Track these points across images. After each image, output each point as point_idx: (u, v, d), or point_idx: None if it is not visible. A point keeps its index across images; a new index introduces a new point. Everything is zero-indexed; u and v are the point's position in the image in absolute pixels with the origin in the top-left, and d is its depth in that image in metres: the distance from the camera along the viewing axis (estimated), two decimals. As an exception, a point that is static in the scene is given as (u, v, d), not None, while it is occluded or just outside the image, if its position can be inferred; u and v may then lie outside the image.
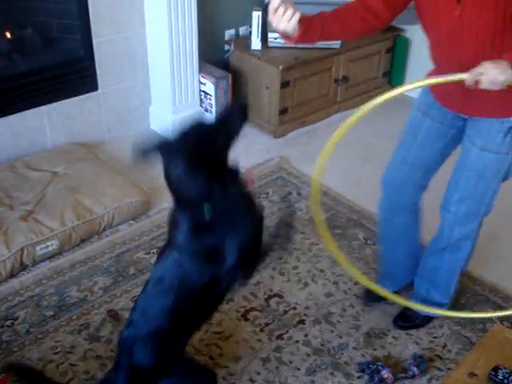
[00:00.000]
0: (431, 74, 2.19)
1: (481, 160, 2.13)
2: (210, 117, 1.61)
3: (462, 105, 2.12)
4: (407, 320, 2.62)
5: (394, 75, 4.70)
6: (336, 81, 4.26)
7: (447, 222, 2.33)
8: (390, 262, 2.67)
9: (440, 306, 2.54)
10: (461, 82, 1.83)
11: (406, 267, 2.65)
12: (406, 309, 2.61)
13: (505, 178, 2.21)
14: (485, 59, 1.83)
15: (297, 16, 1.85)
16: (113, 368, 1.95)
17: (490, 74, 1.77)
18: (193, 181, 1.77)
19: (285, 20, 1.85)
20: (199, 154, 1.73)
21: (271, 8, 1.85)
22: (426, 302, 2.54)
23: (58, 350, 2.45)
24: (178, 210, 1.92)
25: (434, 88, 2.22)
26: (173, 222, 1.95)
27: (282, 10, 1.83)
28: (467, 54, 1.95)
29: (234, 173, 1.86)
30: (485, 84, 1.78)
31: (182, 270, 1.86)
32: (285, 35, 1.95)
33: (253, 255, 1.95)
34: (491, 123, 2.08)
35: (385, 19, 2.11)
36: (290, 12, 1.84)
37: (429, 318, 2.63)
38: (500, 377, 1.82)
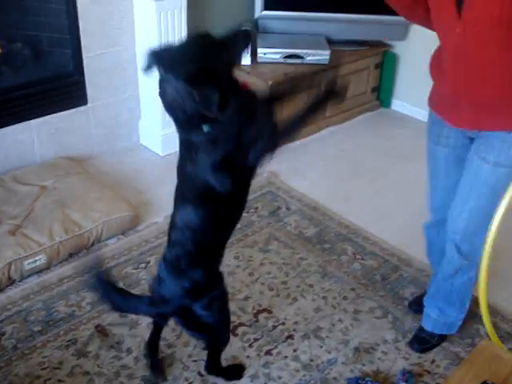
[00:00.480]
0: (432, 97, 2.24)
1: (494, 175, 2.12)
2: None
3: (472, 121, 2.12)
4: (423, 342, 2.60)
5: (382, 91, 4.74)
6: (325, 96, 4.28)
7: (455, 244, 2.33)
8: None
9: (455, 324, 2.56)
10: None
11: None
12: (420, 331, 2.60)
13: None
14: (493, 75, 1.87)
15: None
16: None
17: None
18: (187, 98, 1.71)
19: None
20: (197, 67, 1.70)
21: None
22: (438, 322, 2.55)
23: (46, 365, 2.43)
24: (180, 136, 1.91)
25: (439, 105, 2.22)
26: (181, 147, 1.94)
27: None
28: (473, 70, 1.96)
29: (234, 85, 1.84)
30: None
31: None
32: None
33: (272, 143, 2.00)
34: (503, 138, 2.07)
35: (420, 9, 2.13)
36: None
37: (444, 336, 2.62)
38: (488, 392, 1.82)
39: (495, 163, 2.11)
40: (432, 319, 2.58)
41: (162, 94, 1.81)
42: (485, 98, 2.02)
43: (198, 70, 1.69)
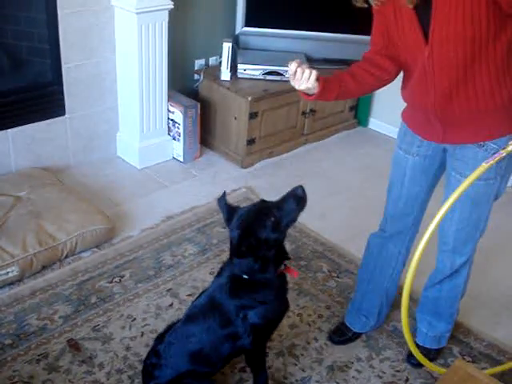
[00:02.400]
0: (405, 113, 2.33)
1: (472, 189, 2.15)
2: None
3: (443, 135, 2.16)
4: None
5: (360, 109, 4.78)
6: (303, 113, 4.31)
7: (447, 254, 2.38)
8: (367, 297, 2.67)
9: (444, 336, 2.60)
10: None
11: (380, 304, 2.67)
12: (417, 346, 2.56)
13: (496, 198, 2.27)
14: (458, 90, 1.95)
15: (313, 76, 2.03)
16: None
17: None
18: (241, 255, 2.04)
19: (304, 81, 2.03)
20: (252, 238, 2.00)
21: (290, 72, 2.04)
22: (427, 337, 2.59)
23: (16, 379, 2.38)
24: (227, 262, 2.21)
25: (412, 123, 2.29)
26: (220, 270, 2.25)
27: (299, 72, 2.02)
28: (440, 88, 2.01)
29: (281, 258, 2.13)
30: None
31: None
32: (305, 94, 2.13)
33: (266, 336, 2.27)
34: (475, 152, 2.12)
35: (393, 72, 2.25)
36: (306, 73, 2.02)
37: (439, 351, 2.66)
38: (461, 413, 1.83)
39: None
40: (423, 333, 2.62)
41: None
42: (453, 113, 2.07)
43: (246, 246, 2.01)
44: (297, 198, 2.08)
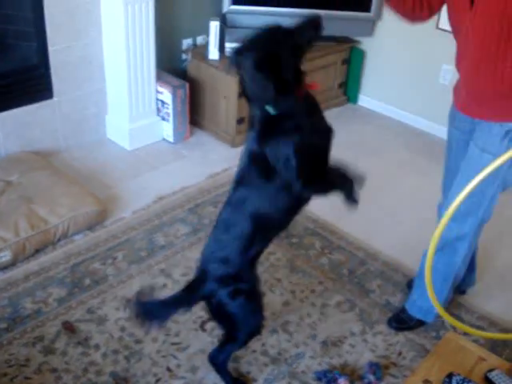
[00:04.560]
0: (456, 85, 2.37)
1: (481, 160, 2.21)
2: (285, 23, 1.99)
3: (466, 105, 2.28)
4: (401, 322, 2.69)
5: (349, 86, 4.77)
6: (293, 91, 4.30)
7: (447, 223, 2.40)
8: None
9: (430, 311, 2.62)
10: None
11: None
12: (401, 311, 2.70)
13: (504, 187, 2.32)
14: (487, 68, 2.06)
15: None
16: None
17: None
18: (258, 81, 1.92)
19: None
20: (268, 55, 1.89)
21: None
22: (415, 304, 2.64)
23: (12, 363, 2.40)
24: (251, 110, 2.07)
25: (455, 93, 2.39)
26: (250, 123, 2.12)
27: None
28: (473, 61, 2.11)
29: (299, 77, 1.99)
30: None
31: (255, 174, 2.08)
32: None
33: (314, 168, 2.07)
34: (491, 125, 2.20)
35: (425, 12, 2.28)
36: None
37: (422, 322, 2.69)
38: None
39: (482, 149, 2.24)
40: (412, 300, 2.67)
41: (241, 78, 2.00)
42: (478, 87, 2.17)
43: (261, 56, 1.90)
44: (314, 24, 2.01)
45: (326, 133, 2.10)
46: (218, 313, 2.25)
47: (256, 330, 2.31)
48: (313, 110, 2.08)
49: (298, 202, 2.16)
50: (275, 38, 1.94)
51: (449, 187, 2.50)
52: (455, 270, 2.55)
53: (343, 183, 2.17)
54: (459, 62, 2.27)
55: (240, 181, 2.13)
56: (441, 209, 2.64)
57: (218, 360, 2.34)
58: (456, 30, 2.22)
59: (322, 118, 2.10)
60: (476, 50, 2.09)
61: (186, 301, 2.24)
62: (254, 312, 2.25)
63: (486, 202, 2.34)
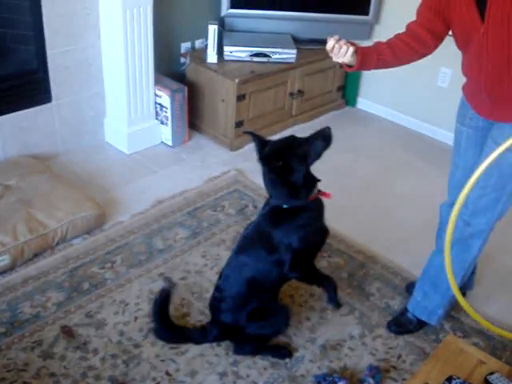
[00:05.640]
0: (464, 86, 2.40)
1: (503, 158, 2.20)
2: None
3: (490, 111, 2.28)
4: (401, 325, 2.70)
5: (348, 89, 4.78)
6: (291, 94, 4.30)
7: (463, 217, 2.40)
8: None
9: (435, 312, 2.62)
10: None
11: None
12: (401, 314, 2.71)
13: None
14: (508, 72, 2.07)
15: (351, 51, 2.18)
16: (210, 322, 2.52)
17: None
18: (274, 186, 2.28)
19: (341, 55, 2.20)
20: (282, 165, 2.19)
21: (328, 47, 2.21)
22: (420, 305, 2.64)
23: (11, 367, 2.39)
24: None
25: (469, 96, 2.40)
26: (264, 204, 2.45)
27: (337, 48, 2.18)
28: (493, 69, 2.12)
29: (311, 183, 2.31)
30: None
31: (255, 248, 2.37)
32: (345, 65, 2.30)
33: (306, 261, 2.39)
34: None
35: (432, 46, 2.34)
36: (343, 50, 2.18)
37: (422, 325, 2.69)
38: (453, 387, 1.86)
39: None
40: (416, 301, 2.66)
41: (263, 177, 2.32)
42: (501, 92, 2.18)
43: (276, 167, 2.19)
44: (324, 137, 2.25)
45: (323, 234, 2.41)
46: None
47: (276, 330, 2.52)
48: (319, 212, 2.38)
49: (286, 278, 2.44)
50: (289, 148, 2.23)
51: (457, 185, 2.49)
52: (464, 268, 2.53)
53: (327, 284, 2.46)
54: (471, 70, 2.27)
55: (243, 247, 2.41)
56: (447, 207, 2.64)
57: (244, 352, 2.53)
58: (464, 43, 2.22)
59: (323, 220, 2.40)
60: (496, 57, 2.09)
61: (200, 340, 2.53)
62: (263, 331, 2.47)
63: (504, 198, 2.34)
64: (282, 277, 2.39)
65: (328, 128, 2.26)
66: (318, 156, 2.27)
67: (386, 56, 2.31)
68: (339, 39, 2.18)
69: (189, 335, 2.52)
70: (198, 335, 2.52)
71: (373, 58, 2.29)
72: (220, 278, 2.47)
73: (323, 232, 2.41)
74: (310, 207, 2.31)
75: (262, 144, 2.29)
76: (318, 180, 2.34)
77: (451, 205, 2.59)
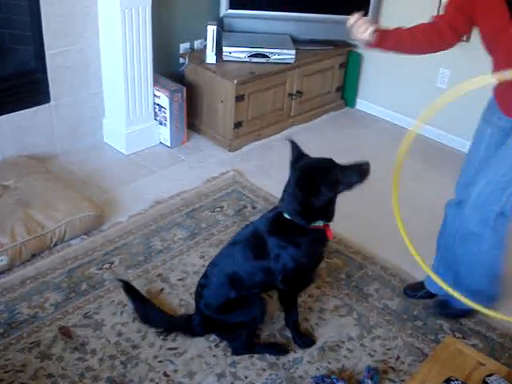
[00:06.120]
0: (495, 88, 2.42)
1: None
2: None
3: None
4: (415, 289, 2.86)
5: (346, 90, 4.77)
6: (290, 95, 4.30)
7: (467, 209, 2.43)
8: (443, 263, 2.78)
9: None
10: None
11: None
12: (418, 283, 2.87)
13: None
14: None
15: (370, 30, 2.26)
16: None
17: None
18: (292, 193, 2.24)
19: (361, 32, 2.27)
20: (311, 182, 2.18)
21: (349, 23, 2.28)
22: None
23: (8, 368, 2.38)
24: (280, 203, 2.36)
25: (499, 95, 2.42)
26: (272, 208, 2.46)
27: (358, 24, 2.26)
28: None
29: (324, 215, 2.29)
30: None
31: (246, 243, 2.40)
32: (364, 42, 2.36)
33: (296, 281, 2.41)
34: None
35: (451, 44, 2.40)
36: (362, 29, 2.26)
37: (431, 296, 2.81)
38: (452, 388, 1.86)
39: None
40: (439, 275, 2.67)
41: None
42: None
43: (305, 167, 2.23)
44: (362, 172, 2.23)
45: (317, 259, 2.45)
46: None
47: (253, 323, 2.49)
48: (321, 240, 2.38)
49: (271, 286, 2.45)
50: (325, 170, 2.21)
51: (467, 183, 2.51)
52: (480, 263, 2.55)
53: (294, 316, 2.55)
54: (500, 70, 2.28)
55: (237, 242, 2.44)
56: (453, 206, 2.65)
57: (236, 350, 2.52)
58: (493, 44, 2.24)
59: (322, 248, 2.44)
60: None
61: (186, 328, 2.57)
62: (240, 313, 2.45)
63: (510, 190, 2.36)
64: (269, 284, 2.41)
65: (367, 164, 2.23)
66: (349, 188, 2.25)
67: (404, 42, 2.37)
68: (360, 17, 2.26)
69: (175, 322, 2.58)
70: (183, 322, 2.55)
71: (390, 41, 2.34)
72: (209, 265, 2.52)
73: (317, 259, 2.45)
74: (307, 231, 2.29)
75: (298, 155, 2.29)
76: (329, 220, 2.34)
77: (458, 203, 2.60)
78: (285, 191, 2.30)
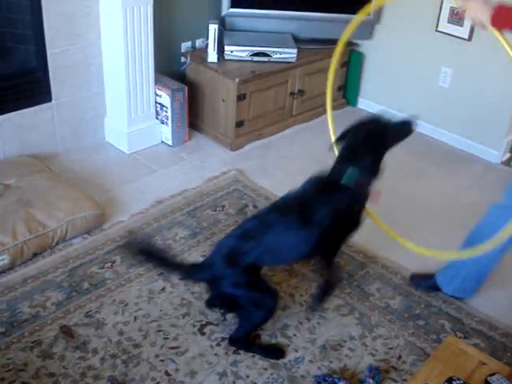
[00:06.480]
0: None
1: None
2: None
3: None
4: (422, 277, 2.92)
5: (348, 89, 4.77)
6: (292, 94, 4.30)
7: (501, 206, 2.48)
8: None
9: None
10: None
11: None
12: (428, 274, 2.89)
13: None
14: None
15: (488, 9, 2.14)
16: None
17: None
18: (363, 154, 2.36)
19: (479, 15, 2.16)
20: (363, 138, 2.36)
21: (461, 8, 2.25)
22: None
23: (10, 367, 2.38)
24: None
25: None
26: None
27: (471, 5, 2.17)
28: None
29: (374, 172, 2.41)
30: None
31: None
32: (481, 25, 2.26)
33: (332, 245, 2.51)
34: None
35: None
36: (479, 7, 2.15)
37: (438, 288, 2.85)
38: (454, 388, 1.85)
39: None
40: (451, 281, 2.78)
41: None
42: None
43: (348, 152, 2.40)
44: (408, 127, 2.39)
45: (356, 224, 2.50)
46: (223, 299, 2.51)
47: (268, 313, 2.47)
48: (363, 202, 2.48)
49: (300, 258, 2.58)
50: (383, 124, 2.38)
51: None
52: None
53: (328, 281, 2.59)
54: None
55: (279, 208, 2.45)
56: (498, 208, 2.58)
57: (232, 339, 2.51)
58: None
59: (361, 214, 2.49)
60: None
61: (187, 273, 2.55)
62: (260, 291, 2.44)
63: None
64: (300, 258, 2.53)
65: (413, 120, 2.39)
66: (394, 144, 2.40)
67: None
68: None
69: (175, 263, 2.55)
70: (185, 269, 2.56)
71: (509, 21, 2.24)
72: (246, 222, 2.51)
73: (353, 224, 2.50)
74: (352, 191, 2.37)
75: (342, 133, 2.46)
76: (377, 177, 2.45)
77: (502, 208, 2.53)
78: (343, 153, 2.43)
